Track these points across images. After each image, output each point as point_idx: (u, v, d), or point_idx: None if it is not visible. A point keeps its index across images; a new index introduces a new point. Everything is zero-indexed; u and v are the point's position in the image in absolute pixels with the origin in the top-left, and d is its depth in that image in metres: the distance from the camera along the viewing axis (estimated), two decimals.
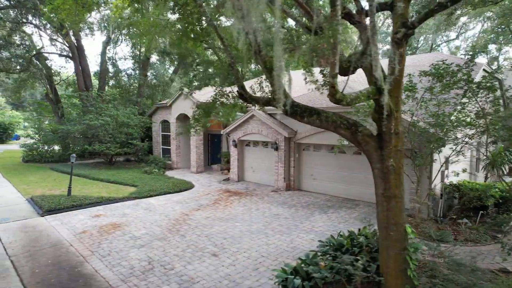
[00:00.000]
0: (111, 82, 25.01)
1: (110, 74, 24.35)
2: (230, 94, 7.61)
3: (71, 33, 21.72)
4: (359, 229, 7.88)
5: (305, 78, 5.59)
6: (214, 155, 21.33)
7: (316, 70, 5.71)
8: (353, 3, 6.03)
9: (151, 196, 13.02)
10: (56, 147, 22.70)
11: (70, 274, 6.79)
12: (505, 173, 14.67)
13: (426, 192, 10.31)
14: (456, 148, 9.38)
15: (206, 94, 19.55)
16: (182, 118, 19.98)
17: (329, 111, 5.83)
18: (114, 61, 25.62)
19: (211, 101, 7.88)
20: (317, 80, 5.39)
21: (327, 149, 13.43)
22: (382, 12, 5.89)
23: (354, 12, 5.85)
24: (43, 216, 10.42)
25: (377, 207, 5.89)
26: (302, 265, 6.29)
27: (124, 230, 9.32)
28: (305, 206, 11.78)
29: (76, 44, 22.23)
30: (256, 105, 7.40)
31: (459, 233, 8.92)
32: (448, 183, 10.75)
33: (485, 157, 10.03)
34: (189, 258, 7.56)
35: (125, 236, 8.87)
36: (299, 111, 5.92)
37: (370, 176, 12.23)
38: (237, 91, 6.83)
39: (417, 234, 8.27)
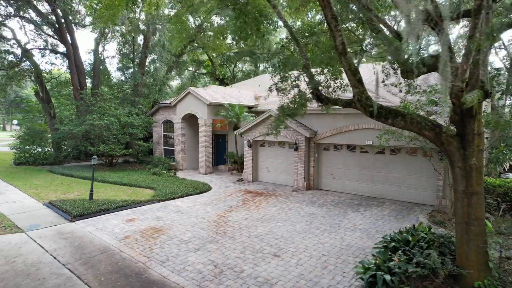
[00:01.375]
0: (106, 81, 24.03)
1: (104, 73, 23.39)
2: (306, 95, 7.55)
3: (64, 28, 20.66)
4: (414, 225, 8.22)
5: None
6: (219, 156, 21.13)
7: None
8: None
9: (174, 198, 12.72)
10: (47, 149, 21.48)
11: (139, 281, 6.55)
12: (506, 169, 15.75)
13: (450, 190, 10.87)
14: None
15: (215, 94, 19.40)
16: (188, 118, 19.63)
17: (412, 113, 6.05)
18: (103, 58, 24.63)
19: (287, 102, 7.72)
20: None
21: (348, 148, 13.76)
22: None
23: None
24: (73, 221, 9.90)
25: (455, 204, 6.19)
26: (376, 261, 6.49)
27: (168, 234, 9.07)
28: (334, 204, 12.02)
29: (70, 40, 21.14)
30: (331, 106, 7.43)
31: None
32: None
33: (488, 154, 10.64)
34: (252, 260, 7.52)
35: (173, 240, 8.65)
36: (383, 113, 6.09)
37: (392, 175, 12.76)
38: (312, 92, 6.87)
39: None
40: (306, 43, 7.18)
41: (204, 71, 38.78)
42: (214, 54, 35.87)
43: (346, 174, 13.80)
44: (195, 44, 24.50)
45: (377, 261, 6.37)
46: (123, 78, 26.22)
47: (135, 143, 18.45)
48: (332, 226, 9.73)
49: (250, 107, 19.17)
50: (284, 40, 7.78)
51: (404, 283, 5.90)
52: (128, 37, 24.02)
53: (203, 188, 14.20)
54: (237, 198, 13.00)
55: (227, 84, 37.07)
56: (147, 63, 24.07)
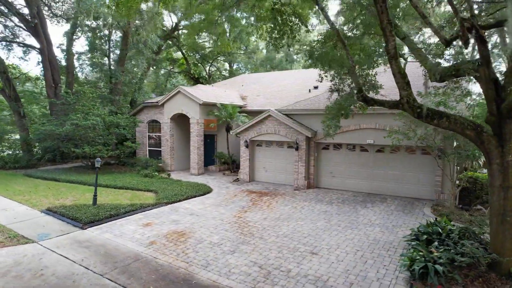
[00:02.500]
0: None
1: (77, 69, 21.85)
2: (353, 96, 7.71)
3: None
4: (436, 218, 8.81)
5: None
6: (207, 156, 20.76)
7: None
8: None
9: (180, 200, 12.35)
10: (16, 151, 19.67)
11: (191, 287, 6.34)
12: (481, 165, 17.31)
13: (451, 185, 11.79)
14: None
15: (206, 94, 19.03)
16: (177, 118, 19.08)
17: (456, 114, 6.52)
18: (76, 55, 23.09)
19: (338, 102, 7.82)
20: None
21: (347, 147, 14.30)
22: None
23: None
24: (84, 228, 9.24)
25: (491, 197, 6.76)
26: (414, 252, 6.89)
27: (195, 237, 8.83)
28: (341, 202, 12.44)
29: (44, 35, 19.48)
30: (377, 107, 7.68)
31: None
32: (466, 176, 12.38)
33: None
34: (292, 258, 7.60)
35: (203, 243, 8.44)
36: (430, 114, 6.48)
37: (391, 172, 13.48)
38: (358, 93, 7.10)
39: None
40: (350, 45, 7.38)
41: (177, 70, 37.85)
42: (189, 52, 35.20)
43: (346, 172, 14.33)
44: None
45: (422, 253, 6.76)
46: (98, 75, 24.72)
47: (123, 144, 17.50)
48: (350, 222, 10.10)
49: (240, 107, 19.14)
50: (331, 43, 7.92)
51: (451, 272, 6.35)
52: (102, 32, 22.70)
53: (205, 190, 13.93)
54: (244, 198, 12.94)
55: (202, 83, 36.53)
56: (127, 61, 22.92)
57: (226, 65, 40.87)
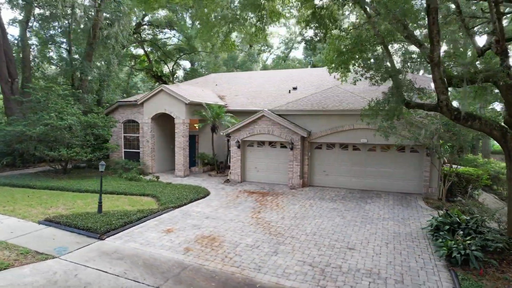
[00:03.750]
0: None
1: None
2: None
3: None
4: (446, 210, 9.77)
5: None
6: (189, 157, 20.09)
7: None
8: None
9: (185, 204, 11.88)
10: None
11: None
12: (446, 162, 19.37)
13: (438, 179, 13.12)
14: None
15: (189, 93, 18.41)
16: (158, 118, 18.20)
17: (486, 117, 7.36)
18: (34, 47, 20.66)
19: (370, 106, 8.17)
20: None
21: (340, 147, 15.03)
22: None
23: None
24: (103, 239, 8.47)
25: (510, 189, 7.76)
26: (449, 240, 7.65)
27: (227, 240, 8.64)
28: (341, 199, 13.07)
29: None
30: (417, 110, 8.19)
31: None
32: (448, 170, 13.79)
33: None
34: (335, 255, 7.87)
35: (239, 246, 8.31)
36: (466, 117, 7.23)
37: (382, 169, 14.55)
38: (400, 97, 7.58)
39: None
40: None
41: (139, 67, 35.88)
42: (149, 48, 33.57)
43: (339, 170, 15.06)
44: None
45: (455, 242, 7.51)
46: (59, 70, 22.38)
47: (102, 145, 16.15)
48: (363, 217, 10.70)
49: (223, 107, 18.91)
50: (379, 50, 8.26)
51: (485, 256, 7.17)
52: (60, 21, 20.58)
53: (204, 192, 13.56)
54: (248, 199, 12.89)
55: (165, 82, 35.14)
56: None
57: (187, 64, 39.83)
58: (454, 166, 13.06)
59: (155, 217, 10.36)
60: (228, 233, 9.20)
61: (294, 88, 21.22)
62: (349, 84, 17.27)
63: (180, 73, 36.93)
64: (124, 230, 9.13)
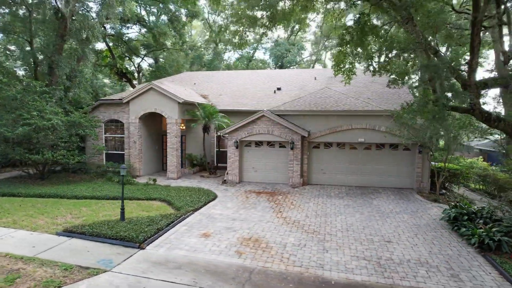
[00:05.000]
0: None
1: None
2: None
3: None
4: (455, 203, 10.81)
5: None
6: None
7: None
8: None
9: (200, 207, 11.52)
10: None
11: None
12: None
13: (428, 175, 14.44)
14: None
15: (180, 92, 17.73)
16: (146, 117, 17.23)
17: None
18: None
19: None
20: None
21: (338, 146, 15.72)
22: None
23: None
24: (143, 248, 7.92)
25: None
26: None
27: (272, 241, 8.65)
28: (346, 196, 13.70)
29: None
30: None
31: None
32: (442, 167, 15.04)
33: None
34: (380, 248, 8.34)
35: (288, 246, 8.39)
36: (495, 119, 8.16)
37: (377, 166, 15.63)
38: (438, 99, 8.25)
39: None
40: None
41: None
42: (111, 44, 31.39)
43: (336, 168, 15.74)
44: None
45: (486, 230, 8.42)
46: (19, 63, 19.85)
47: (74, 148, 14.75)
48: (378, 212, 11.39)
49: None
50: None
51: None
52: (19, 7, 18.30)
53: (212, 194, 13.23)
54: (259, 199, 12.89)
55: (130, 79, 33.19)
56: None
57: (150, 61, 37.92)
58: (438, 163, 14.53)
59: (180, 221, 9.91)
60: (266, 234, 9.18)
61: (278, 89, 21.59)
62: (338, 85, 18.19)
63: (145, 71, 35.05)
64: (158, 237, 8.62)
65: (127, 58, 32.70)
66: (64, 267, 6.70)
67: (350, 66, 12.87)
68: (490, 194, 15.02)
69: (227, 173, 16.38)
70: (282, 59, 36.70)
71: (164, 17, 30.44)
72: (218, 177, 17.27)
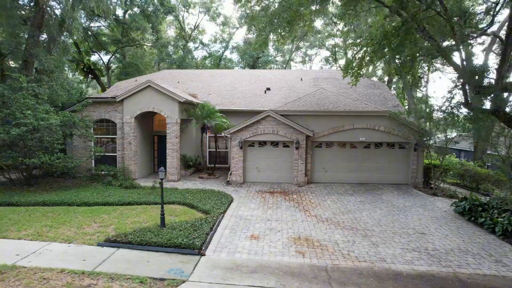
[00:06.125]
0: None
1: None
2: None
3: None
4: (465, 196, 11.92)
5: None
6: (164, 159, 18.48)
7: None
8: None
9: (227, 209, 11.30)
10: None
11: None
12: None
13: (422, 171, 15.70)
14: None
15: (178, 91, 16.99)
16: (141, 117, 16.28)
17: None
18: None
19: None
20: None
21: (339, 145, 16.35)
22: None
23: None
24: (204, 254, 7.62)
25: None
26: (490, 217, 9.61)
27: (321, 240, 8.86)
28: (354, 192, 14.35)
29: None
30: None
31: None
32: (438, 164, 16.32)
33: None
34: (419, 239, 8.96)
35: (339, 244, 8.65)
36: None
37: (376, 164, 16.65)
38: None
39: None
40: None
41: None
42: (75, 37, 28.98)
43: (337, 167, 16.37)
44: None
45: (509, 219, 9.44)
46: None
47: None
48: (394, 207, 12.15)
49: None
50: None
51: None
52: None
53: (228, 197, 12.97)
54: (278, 199, 12.97)
55: (97, 76, 30.92)
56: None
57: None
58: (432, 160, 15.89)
59: (218, 225, 9.64)
60: (311, 232, 9.34)
61: (268, 89, 21.78)
62: (325, 86, 18.91)
63: (114, 68, 32.86)
64: (210, 242, 8.32)
65: (95, 53, 30.42)
66: (139, 280, 6.21)
67: (358, 69, 13.54)
68: (468, 187, 16.78)
69: (230, 174, 16.16)
70: (257, 59, 36.83)
71: (136, 9, 28.86)
72: (218, 178, 16.96)
